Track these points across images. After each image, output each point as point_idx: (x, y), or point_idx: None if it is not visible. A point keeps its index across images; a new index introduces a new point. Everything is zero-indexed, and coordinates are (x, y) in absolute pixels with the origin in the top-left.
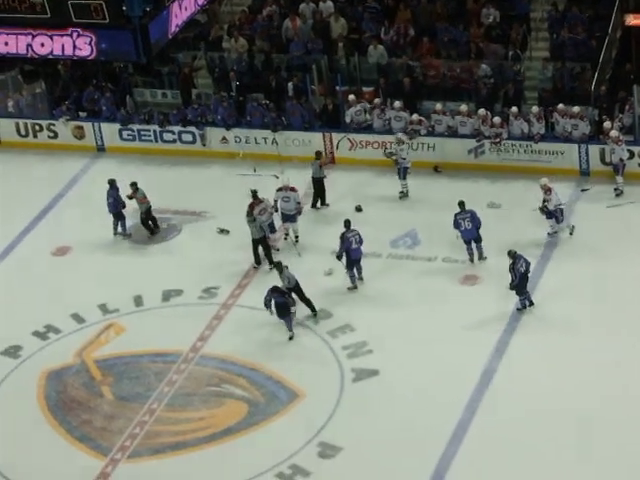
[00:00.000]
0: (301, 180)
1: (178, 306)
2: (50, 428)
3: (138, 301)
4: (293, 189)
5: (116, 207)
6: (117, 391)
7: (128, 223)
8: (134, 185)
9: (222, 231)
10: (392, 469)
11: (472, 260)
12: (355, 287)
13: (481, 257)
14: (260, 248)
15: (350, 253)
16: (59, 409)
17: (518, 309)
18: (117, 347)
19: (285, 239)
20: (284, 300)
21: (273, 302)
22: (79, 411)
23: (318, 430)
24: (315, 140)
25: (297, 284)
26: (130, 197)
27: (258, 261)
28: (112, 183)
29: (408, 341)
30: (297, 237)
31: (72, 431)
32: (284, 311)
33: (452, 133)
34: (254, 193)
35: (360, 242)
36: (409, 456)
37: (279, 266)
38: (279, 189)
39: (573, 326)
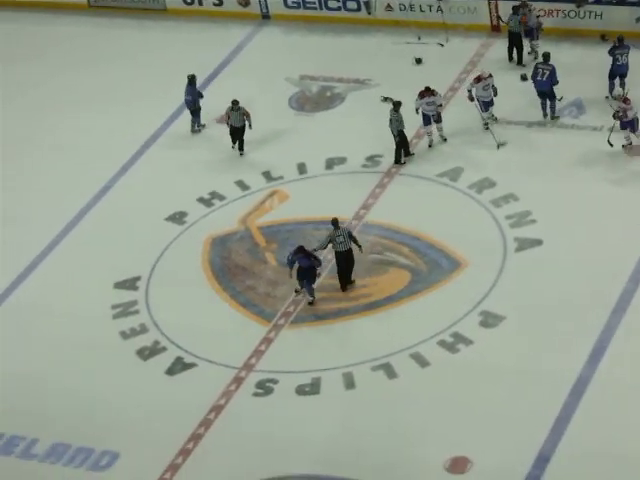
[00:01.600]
0: (466, 48)
1: (342, 174)
2: (214, 293)
3: (302, 169)
4: (491, 75)
5: (194, 104)
6: (281, 258)
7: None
8: (236, 103)
9: (386, 99)
10: (554, 338)
11: (612, 96)
12: (546, 115)
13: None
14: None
15: (535, 83)
16: (223, 275)
17: None
18: (281, 214)
19: (487, 129)
20: (310, 263)
21: (297, 264)
22: (243, 277)
23: (480, 299)
24: (481, 8)
25: (350, 252)
26: (228, 113)
27: (404, 157)
28: (191, 79)
29: (572, 211)
30: (495, 117)
31: (236, 296)
32: (308, 275)
33: (620, 1)
34: (418, 61)
35: (549, 79)
36: (571, 326)
37: (336, 223)
38: (477, 80)
39: None
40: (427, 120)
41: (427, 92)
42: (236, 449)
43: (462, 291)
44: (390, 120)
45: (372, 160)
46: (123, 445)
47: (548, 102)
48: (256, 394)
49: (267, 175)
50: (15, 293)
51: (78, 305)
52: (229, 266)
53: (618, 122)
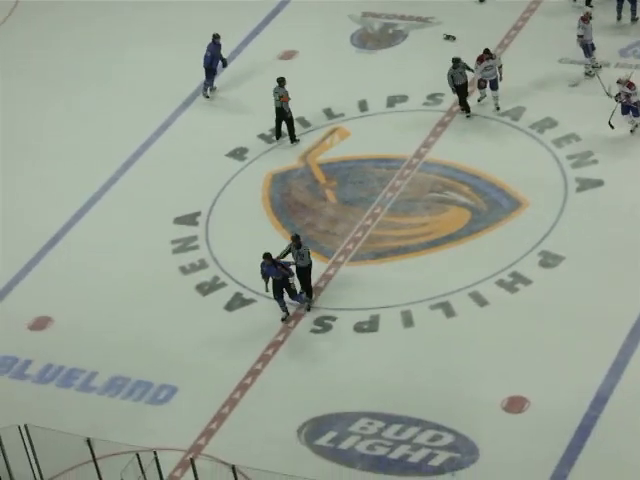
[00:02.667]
0: None
1: (403, 112)
2: (273, 229)
3: (363, 106)
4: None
5: (211, 62)
6: (341, 195)
7: None
8: (282, 80)
9: (448, 37)
10: (613, 279)
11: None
12: (620, 18)
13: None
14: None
15: None
16: (283, 211)
17: None
18: (341, 151)
19: (593, 75)
20: (276, 272)
21: (270, 280)
22: (303, 213)
23: (540, 239)
24: None
25: (310, 267)
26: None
27: (467, 109)
28: (215, 37)
29: (634, 151)
30: (600, 65)
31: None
32: (281, 289)
33: None
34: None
35: None
36: (631, 267)
37: (297, 240)
38: (586, 20)
39: None
40: (482, 84)
41: (485, 55)
42: (293, 385)
43: (522, 231)
44: (448, 74)
45: (433, 98)
46: (181, 379)
47: (629, 4)
48: (314, 331)
49: (328, 112)
50: (75, 228)
51: (138, 240)
52: (289, 203)
53: (620, 105)
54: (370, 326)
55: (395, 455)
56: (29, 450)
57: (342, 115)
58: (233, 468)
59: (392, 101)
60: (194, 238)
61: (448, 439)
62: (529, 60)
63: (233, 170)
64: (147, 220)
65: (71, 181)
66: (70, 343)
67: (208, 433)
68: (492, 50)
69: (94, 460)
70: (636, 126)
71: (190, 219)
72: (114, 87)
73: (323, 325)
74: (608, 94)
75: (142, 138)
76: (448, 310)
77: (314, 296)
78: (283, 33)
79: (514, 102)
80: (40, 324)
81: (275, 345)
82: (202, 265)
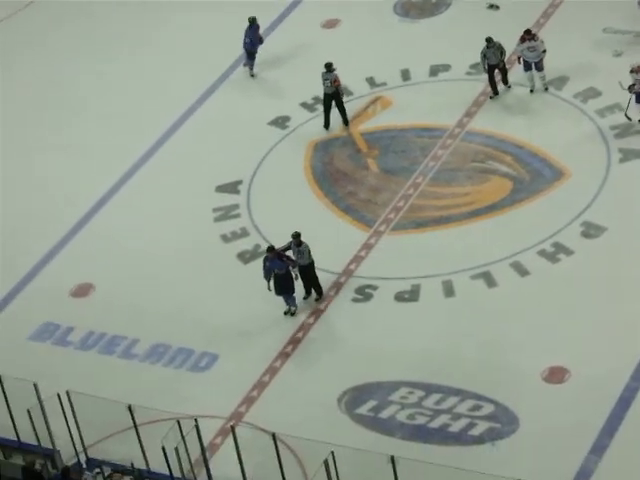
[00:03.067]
0: None
1: (445, 81)
2: (315, 198)
3: (405, 75)
4: None
5: (252, 46)
6: (382, 164)
7: None
8: (330, 66)
9: (491, 6)
10: None
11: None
12: None
13: None
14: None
15: None
16: (325, 180)
17: None
18: (384, 120)
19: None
20: (283, 265)
21: (272, 274)
22: (344, 182)
23: (582, 209)
24: None
25: (311, 265)
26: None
27: (496, 91)
28: (252, 22)
29: None
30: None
31: (337, 202)
32: (285, 285)
33: None
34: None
35: None
36: None
37: (297, 238)
38: None
39: None
40: (527, 66)
41: (528, 35)
42: (334, 354)
43: (564, 201)
44: (481, 53)
45: (476, 68)
46: (222, 347)
47: None
48: (355, 300)
49: (370, 81)
50: (118, 194)
51: (180, 208)
52: (331, 171)
53: (634, 96)
54: (411, 295)
55: (435, 424)
56: (70, 416)
57: (384, 84)
58: (273, 435)
59: (435, 70)
60: (236, 206)
61: (488, 409)
62: (573, 29)
63: (275, 138)
64: (189, 188)
65: (115, 147)
66: (112, 310)
67: (249, 401)
68: (533, 27)
69: (135, 427)
70: None
71: (232, 187)
72: (155, 53)
73: (364, 294)
74: (622, 87)
75: (185, 105)
76: (489, 280)
77: (323, 295)
78: (326, 1)
79: (557, 72)
80: (82, 291)
81: (316, 313)
82: (243, 233)
